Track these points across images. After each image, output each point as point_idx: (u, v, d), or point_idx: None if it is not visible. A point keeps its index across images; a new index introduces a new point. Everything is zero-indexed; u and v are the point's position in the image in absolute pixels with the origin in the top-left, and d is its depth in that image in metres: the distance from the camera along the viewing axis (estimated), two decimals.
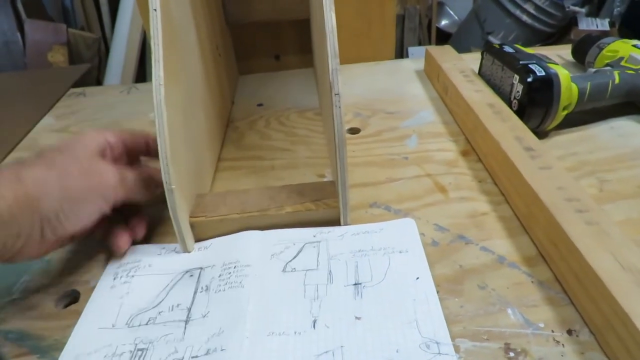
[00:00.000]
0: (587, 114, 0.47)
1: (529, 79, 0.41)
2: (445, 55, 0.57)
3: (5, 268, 0.35)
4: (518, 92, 0.43)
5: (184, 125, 0.35)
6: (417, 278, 0.29)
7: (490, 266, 0.31)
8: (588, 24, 1.44)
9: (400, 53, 1.54)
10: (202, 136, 0.41)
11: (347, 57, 0.65)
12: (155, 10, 0.31)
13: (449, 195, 0.39)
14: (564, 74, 0.42)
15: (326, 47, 0.31)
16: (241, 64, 0.65)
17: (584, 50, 0.56)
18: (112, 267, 0.33)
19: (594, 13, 1.61)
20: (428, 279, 0.29)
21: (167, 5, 0.33)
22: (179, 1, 0.36)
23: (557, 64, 0.44)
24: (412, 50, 1.41)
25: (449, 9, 1.82)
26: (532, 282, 0.30)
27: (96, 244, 0.36)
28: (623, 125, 0.47)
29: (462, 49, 0.52)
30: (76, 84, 0.72)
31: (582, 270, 0.26)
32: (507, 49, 0.47)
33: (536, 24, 1.43)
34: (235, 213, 0.34)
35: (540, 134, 0.45)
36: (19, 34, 1.22)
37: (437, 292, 0.29)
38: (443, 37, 1.73)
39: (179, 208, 0.32)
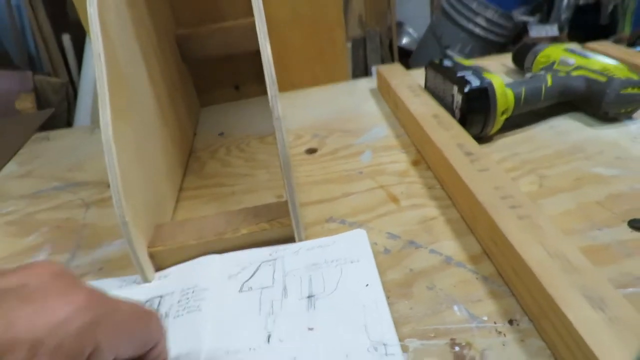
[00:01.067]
0: (528, 116, 0.50)
1: (466, 90, 0.44)
2: (393, 72, 0.60)
3: None
4: (458, 102, 0.46)
5: (136, 160, 0.36)
6: (367, 285, 0.30)
7: (438, 267, 0.33)
8: (539, 31, 1.52)
9: (365, 72, 1.59)
10: (160, 169, 0.42)
11: (302, 81, 0.68)
12: (99, 54, 0.33)
13: (400, 204, 0.41)
14: (498, 82, 0.45)
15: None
16: (202, 96, 0.67)
17: (522, 57, 0.59)
18: None
19: (544, 20, 1.69)
20: (377, 285, 0.30)
21: (112, 50, 0.34)
22: (126, 44, 0.38)
23: (492, 73, 0.47)
24: (374, 69, 1.46)
25: (408, 28, 1.89)
26: (477, 278, 0.32)
27: None
28: (561, 124, 0.50)
29: (423, 64, 0.55)
30: (44, 129, 0.73)
31: (516, 262, 0.28)
32: (447, 63, 0.50)
33: (489, 36, 1.51)
34: (192, 240, 0.35)
35: (485, 138, 0.48)
36: None
37: (388, 297, 0.31)
38: (405, 55, 1.79)
39: (135, 240, 0.33)
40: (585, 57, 0.50)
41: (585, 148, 0.45)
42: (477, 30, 1.49)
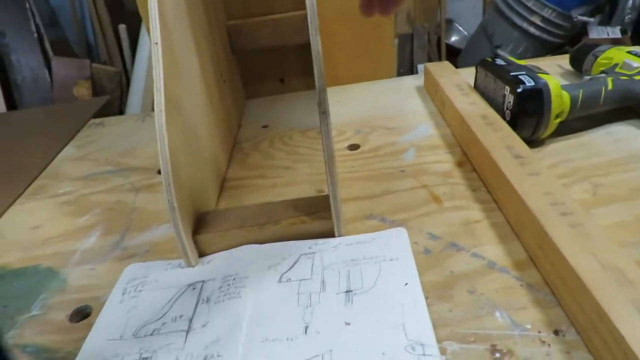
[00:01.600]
0: (584, 120, 0.48)
1: (519, 90, 0.42)
2: (442, 70, 0.59)
3: (25, 287, 0.37)
4: (510, 102, 0.44)
5: (185, 148, 0.37)
6: (406, 284, 0.30)
7: (481, 271, 0.32)
8: (599, 33, 1.43)
9: (411, 70, 1.56)
10: (206, 158, 0.43)
11: (347, 77, 0.67)
12: (156, 43, 0.34)
13: (443, 205, 0.40)
14: (553, 83, 0.43)
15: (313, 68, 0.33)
16: (248, 88, 0.69)
17: (580, 58, 0.56)
18: (121, 283, 0.35)
19: (606, 21, 1.60)
20: (416, 284, 0.30)
21: (168, 38, 0.36)
22: (181, 34, 0.40)
23: (547, 74, 0.45)
24: (421, 67, 1.43)
25: (458, 25, 1.84)
26: (521, 285, 0.31)
27: (109, 264, 0.39)
28: (620, 131, 0.47)
29: (472, 63, 0.54)
30: (98, 115, 0.77)
31: (565, 272, 0.27)
32: (499, 62, 0.48)
33: (544, 36, 1.44)
34: (235, 228, 0.36)
35: (536, 142, 0.46)
36: (46, 71, 1.30)
37: (427, 297, 0.30)
38: (453, 53, 1.75)
39: (182, 225, 0.34)
40: None
41: None
42: (532, 29, 1.42)
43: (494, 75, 0.47)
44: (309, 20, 0.34)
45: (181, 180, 0.35)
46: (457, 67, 0.61)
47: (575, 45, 1.52)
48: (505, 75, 0.45)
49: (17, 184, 0.54)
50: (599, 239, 0.28)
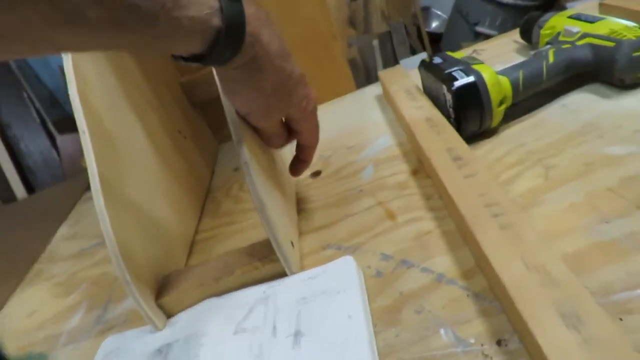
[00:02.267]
0: (538, 97, 0.46)
1: (453, 87, 0.42)
2: (393, 76, 0.58)
3: None
4: (450, 100, 0.43)
5: (137, 221, 0.39)
6: (350, 317, 0.30)
7: (429, 287, 0.32)
8: None
9: None
10: (167, 219, 0.45)
11: None
12: (84, 132, 0.36)
13: (397, 220, 0.40)
14: (488, 73, 0.42)
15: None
16: (219, 133, 0.70)
17: (528, 31, 0.55)
18: (98, 359, 0.37)
19: None
20: (359, 317, 0.30)
21: (98, 124, 0.38)
22: (115, 113, 0.41)
23: (482, 63, 0.44)
24: (403, 62, 1.42)
25: (435, 11, 1.81)
26: (467, 295, 0.30)
27: (92, 340, 0.40)
28: (575, 100, 0.45)
29: (453, 46, 0.54)
30: None
31: (494, 278, 0.26)
32: (436, 60, 0.48)
33: (519, 2, 1.39)
34: (193, 287, 0.37)
35: (489, 132, 0.45)
36: (54, 150, 1.38)
37: (375, 324, 0.30)
38: (437, 39, 1.72)
39: (141, 295, 0.35)
40: (591, 22, 0.45)
41: (600, 125, 0.40)
42: None
43: (433, 75, 0.47)
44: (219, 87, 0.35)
45: (134, 253, 0.36)
46: (430, 57, 0.59)
47: (551, 9, 1.46)
48: (441, 73, 0.44)
49: (18, 273, 0.58)
50: (528, 239, 0.27)
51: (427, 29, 1.65)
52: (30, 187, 1.39)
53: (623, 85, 0.43)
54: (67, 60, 0.38)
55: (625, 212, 0.31)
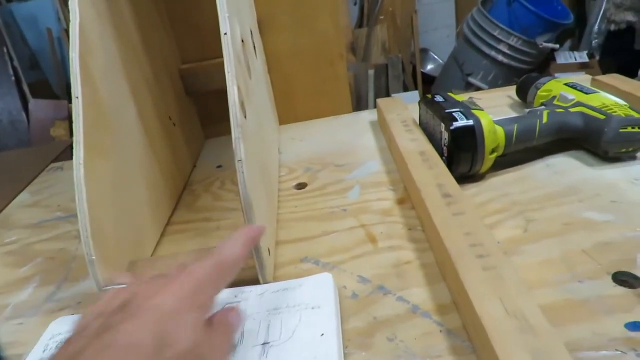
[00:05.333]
0: (525, 153, 0.48)
1: (451, 127, 0.43)
2: (391, 106, 0.60)
3: None
4: (445, 139, 0.44)
5: (112, 198, 0.37)
6: (322, 334, 0.29)
7: (403, 316, 0.32)
8: (566, 58, 1.47)
9: None
10: (142, 204, 0.43)
11: (306, 113, 0.68)
12: (77, 97, 0.34)
13: (378, 245, 0.40)
14: (486, 120, 0.43)
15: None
16: (207, 128, 0.69)
17: (524, 90, 0.57)
18: (44, 339, 0.34)
19: (576, 46, 1.64)
20: (332, 335, 0.29)
21: (93, 91, 0.36)
22: (112, 84, 0.40)
23: (481, 109, 0.45)
24: (395, 96, 1.46)
25: (433, 54, 1.88)
26: (440, 331, 0.30)
27: (40, 317, 0.38)
28: (559, 162, 0.47)
29: (444, 91, 0.54)
30: (71, 157, 0.77)
31: (473, 317, 0.27)
32: (438, 98, 0.49)
33: (512, 63, 1.47)
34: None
35: (476, 177, 0.46)
36: (23, 113, 1.31)
37: (346, 346, 0.30)
38: (429, 81, 1.78)
39: (102, 277, 0.33)
40: (586, 92, 0.48)
41: (581, 190, 0.42)
42: (500, 57, 1.46)
43: (432, 112, 0.48)
44: (226, 70, 0.34)
45: (104, 231, 0.35)
46: (432, 94, 0.61)
47: (542, 71, 1.55)
48: (441, 112, 0.46)
49: None
50: (509, 283, 0.28)
51: (422, 69, 1.70)
52: None
53: (606, 157, 0.45)
54: (75, 22, 0.36)
55: (597, 276, 0.32)
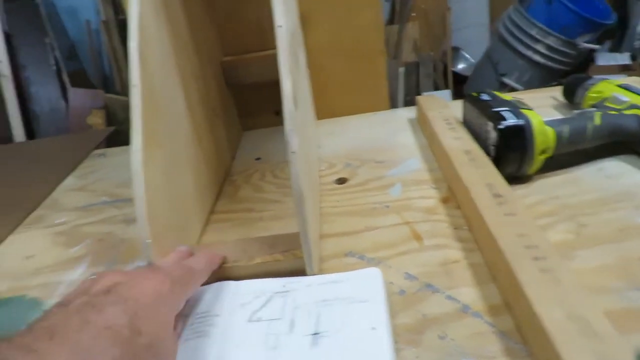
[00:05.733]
0: (574, 156, 0.47)
1: (500, 126, 0.42)
2: (432, 103, 0.59)
3: (8, 317, 0.38)
4: (493, 138, 0.44)
5: (165, 184, 0.38)
6: (373, 328, 0.30)
7: (454, 315, 0.31)
8: (607, 60, 1.42)
9: None
10: (189, 192, 0.44)
11: (342, 109, 0.68)
12: (135, 86, 0.35)
13: (423, 243, 0.39)
14: (536, 120, 0.43)
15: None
16: (244, 121, 0.70)
17: (572, 91, 0.56)
18: None
19: (616, 47, 1.59)
20: (383, 329, 0.29)
21: (149, 80, 0.37)
22: (165, 74, 0.41)
23: (531, 109, 0.44)
24: (425, 95, 1.45)
25: (464, 53, 1.85)
26: (493, 332, 0.30)
27: None
28: (612, 166, 0.46)
29: (476, 90, 0.54)
30: (110, 144, 0.79)
31: (532, 320, 0.26)
32: (484, 96, 0.48)
33: (550, 63, 1.43)
34: None
35: (523, 178, 0.45)
36: (63, 102, 1.35)
37: (396, 341, 0.30)
38: (460, 81, 1.75)
39: (156, 261, 0.34)
40: None
41: (636, 195, 0.41)
42: (537, 57, 1.42)
43: (478, 110, 0.47)
44: (280, 63, 0.34)
45: (157, 216, 0.35)
46: (463, 94, 0.61)
47: (582, 73, 1.50)
48: (488, 110, 0.45)
49: (17, 214, 0.56)
50: (569, 286, 0.27)
51: (453, 69, 1.68)
52: (30, 133, 1.36)
53: None
54: (134, 12, 0.37)
55: None
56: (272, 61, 0.62)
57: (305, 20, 0.65)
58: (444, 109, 0.57)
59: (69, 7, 1.60)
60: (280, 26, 0.36)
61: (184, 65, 0.46)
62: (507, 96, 0.49)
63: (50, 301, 0.39)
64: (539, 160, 0.43)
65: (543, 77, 1.45)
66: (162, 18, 0.42)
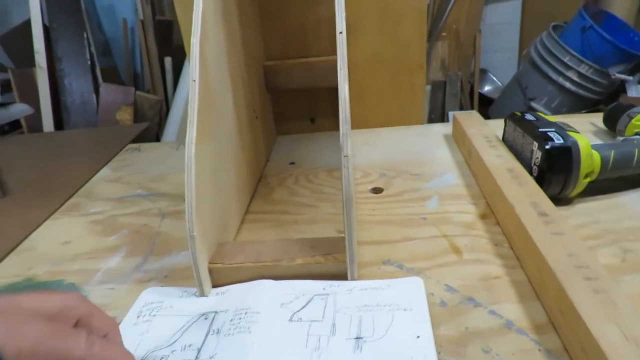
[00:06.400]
0: (616, 182, 0.46)
1: (547, 147, 0.42)
2: (470, 121, 0.59)
3: None
4: (537, 158, 0.44)
5: (212, 179, 0.38)
6: (418, 337, 0.29)
7: (497, 331, 0.31)
8: (638, 91, 1.41)
9: (442, 117, 1.57)
10: (231, 190, 0.44)
11: (378, 120, 0.69)
12: (194, 81, 0.36)
13: (463, 257, 0.39)
14: (583, 142, 0.42)
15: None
16: (279, 125, 0.71)
17: (614, 118, 0.55)
18: (137, 306, 0.36)
19: None
20: (429, 338, 0.29)
21: (206, 76, 0.38)
22: (218, 72, 0.42)
23: (577, 132, 0.44)
24: (452, 114, 1.45)
25: (492, 76, 1.85)
26: (539, 350, 0.29)
27: (129, 285, 0.40)
28: None
29: (504, 114, 0.54)
30: (136, 140, 0.81)
31: (586, 340, 0.26)
32: (528, 116, 0.48)
33: (580, 91, 1.42)
34: (250, 262, 0.36)
35: (563, 200, 0.45)
36: (94, 96, 1.39)
37: (439, 352, 0.29)
38: (486, 103, 1.75)
39: (199, 254, 0.35)
40: None
41: None
42: (568, 84, 1.41)
43: (522, 129, 0.47)
44: (338, 67, 0.35)
45: (203, 210, 0.36)
46: (488, 116, 0.61)
47: (611, 103, 1.49)
48: (534, 130, 0.45)
49: (54, 201, 0.57)
50: (624, 308, 0.27)
51: (479, 90, 1.68)
52: (59, 124, 1.40)
53: None
54: (198, 9, 0.38)
55: None
56: (313, 69, 0.64)
57: (349, 29, 0.66)
58: (483, 126, 0.57)
59: (107, 5, 1.65)
60: (341, 32, 0.36)
61: (234, 65, 0.47)
62: (552, 118, 0.48)
63: (88, 287, 0.40)
64: (582, 183, 0.43)
65: (572, 104, 1.44)
66: (219, 16, 0.43)
